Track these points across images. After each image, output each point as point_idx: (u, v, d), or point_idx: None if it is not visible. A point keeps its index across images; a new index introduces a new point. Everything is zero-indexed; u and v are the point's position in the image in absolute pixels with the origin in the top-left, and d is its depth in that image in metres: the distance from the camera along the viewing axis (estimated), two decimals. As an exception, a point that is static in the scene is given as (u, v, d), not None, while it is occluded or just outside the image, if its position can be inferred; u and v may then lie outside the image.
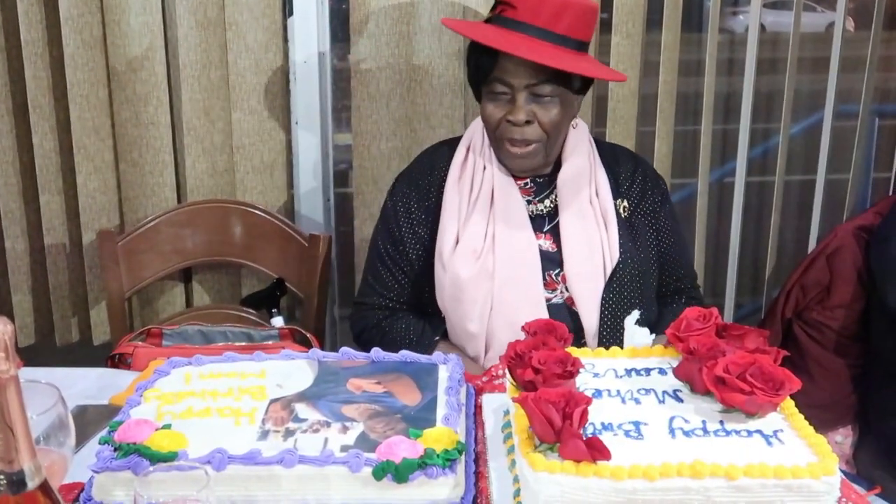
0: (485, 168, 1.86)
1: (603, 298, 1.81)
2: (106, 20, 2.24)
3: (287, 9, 2.34)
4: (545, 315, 1.76)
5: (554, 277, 1.84)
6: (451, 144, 1.95)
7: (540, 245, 1.84)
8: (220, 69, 2.30)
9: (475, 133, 1.91)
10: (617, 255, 1.82)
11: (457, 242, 1.82)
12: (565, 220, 1.84)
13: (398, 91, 2.30)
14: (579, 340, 1.80)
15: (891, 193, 2.61)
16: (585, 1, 1.78)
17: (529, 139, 1.78)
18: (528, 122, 1.76)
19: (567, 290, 1.82)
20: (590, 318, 1.80)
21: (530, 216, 1.85)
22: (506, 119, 1.77)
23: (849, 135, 2.57)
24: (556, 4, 1.73)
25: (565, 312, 1.82)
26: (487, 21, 1.82)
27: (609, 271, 1.81)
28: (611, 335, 1.80)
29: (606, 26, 2.30)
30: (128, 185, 2.37)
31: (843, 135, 2.59)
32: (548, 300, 1.82)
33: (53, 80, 2.29)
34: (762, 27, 2.59)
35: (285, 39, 2.35)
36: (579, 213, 1.84)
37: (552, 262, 1.83)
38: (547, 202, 1.88)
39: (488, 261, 1.80)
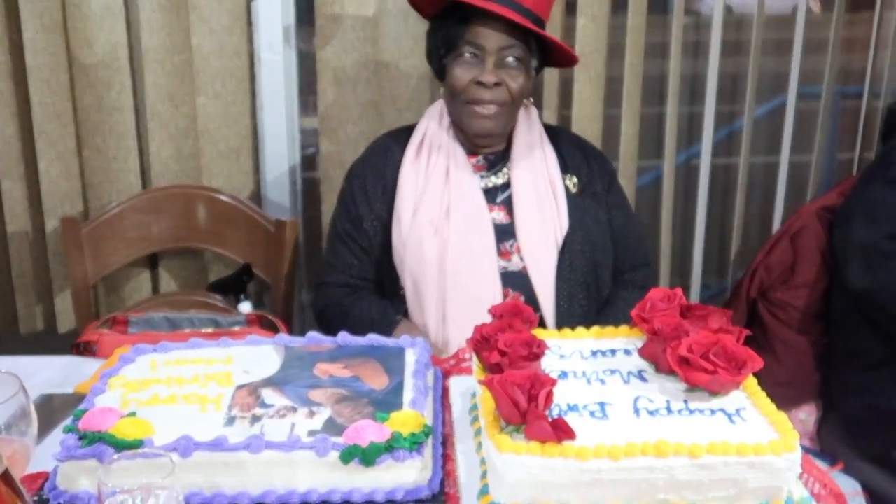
0: (440, 146, 1.92)
1: (557, 267, 1.87)
2: (66, 3, 2.21)
3: (251, -10, 2.32)
4: (499, 284, 1.84)
5: (508, 248, 1.89)
6: (405, 130, 2.01)
7: (494, 217, 1.90)
8: (184, 53, 2.27)
9: (432, 118, 1.96)
10: (566, 225, 1.89)
11: (413, 215, 1.87)
12: (518, 192, 1.90)
13: (364, 75, 2.29)
14: (535, 307, 1.81)
15: (854, 174, 2.63)
16: None
17: (496, 100, 1.84)
18: (496, 84, 1.83)
19: (522, 259, 1.88)
20: (545, 287, 1.86)
21: (483, 189, 1.91)
22: (475, 81, 1.83)
23: (813, 116, 2.59)
24: None
25: (521, 280, 1.87)
26: None
27: (560, 241, 1.88)
28: (567, 303, 1.86)
29: (572, 8, 2.31)
30: (91, 172, 2.34)
31: (808, 116, 2.61)
32: (504, 269, 1.87)
33: (13, 65, 2.26)
34: (728, 9, 2.60)
35: (249, 23, 2.33)
36: (532, 186, 1.91)
37: (506, 233, 1.89)
38: (500, 175, 1.94)
39: (444, 231, 1.86)
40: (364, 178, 1.95)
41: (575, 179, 1.96)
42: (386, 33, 2.25)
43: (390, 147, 1.98)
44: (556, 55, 1.95)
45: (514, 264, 1.88)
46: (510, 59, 1.83)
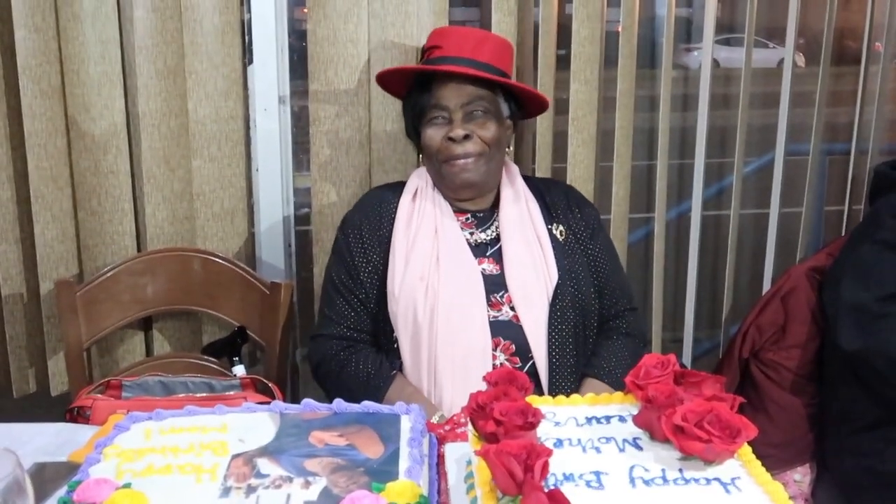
0: (426, 210, 1.99)
1: (549, 317, 1.89)
2: (64, 69, 2.24)
3: (247, 56, 2.35)
4: (488, 334, 1.86)
5: (499, 298, 1.92)
6: (394, 186, 2.09)
7: (484, 269, 1.94)
8: (180, 117, 2.30)
9: (419, 180, 2.04)
10: (556, 275, 1.92)
11: (405, 270, 1.91)
12: (507, 245, 1.95)
13: (357, 138, 2.32)
14: (527, 355, 1.88)
15: (843, 234, 2.66)
16: (501, 37, 2.08)
17: (470, 152, 1.93)
18: (466, 137, 1.92)
19: (512, 309, 1.90)
20: (537, 339, 1.88)
21: (473, 244, 1.97)
22: (447, 137, 1.93)
23: (801, 171, 2.63)
24: (477, 38, 1.99)
25: (512, 329, 1.88)
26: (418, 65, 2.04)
27: (550, 291, 1.91)
28: (558, 352, 1.88)
29: (565, 62, 2.35)
30: (87, 234, 2.35)
31: (796, 171, 2.65)
32: (494, 318, 1.89)
33: (11, 130, 2.28)
34: (716, 63, 2.65)
35: (245, 87, 2.37)
36: (521, 238, 1.96)
37: (496, 284, 1.92)
38: (489, 231, 2.00)
39: (434, 282, 1.89)
40: (360, 228, 1.99)
41: (562, 228, 2.01)
42: (375, 97, 2.28)
43: (384, 198, 2.04)
44: (530, 101, 2.06)
45: (504, 314, 1.90)
46: (477, 112, 1.94)
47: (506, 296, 1.91)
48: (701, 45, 2.50)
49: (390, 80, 2.10)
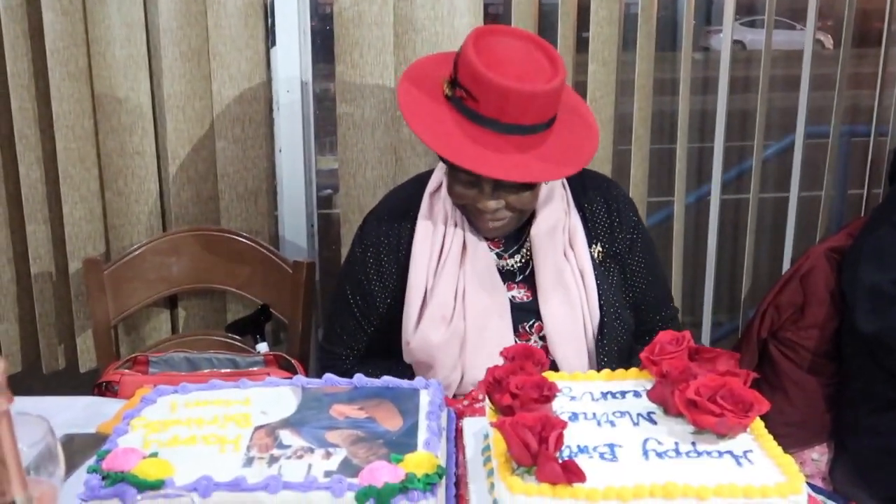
0: (455, 224, 1.78)
1: (597, 357, 1.76)
2: (91, 52, 2.28)
3: (270, 39, 2.38)
4: None
5: (528, 329, 1.79)
6: (418, 184, 1.86)
7: (513, 296, 1.79)
8: (205, 99, 2.34)
9: (444, 178, 1.79)
10: (597, 313, 1.75)
11: (423, 304, 1.75)
12: (541, 274, 1.76)
13: (383, 119, 2.34)
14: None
15: (863, 211, 2.66)
16: (549, 87, 1.61)
17: (499, 217, 1.71)
18: (497, 207, 1.68)
19: (542, 339, 1.77)
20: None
21: (501, 271, 1.79)
22: (474, 206, 1.70)
23: (822, 154, 2.62)
24: (522, 99, 1.58)
25: None
26: (448, 98, 1.67)
27: (589, 328, 1.75)
28: None
29: (584, 45, 2.35)
30: (113, 214, 2.39)
31: (817, 154, 2.64)
32: None
33: (39, 112, 2.32)
34: (742, 45, 2.63)
35: (269, 68, 2.39)
36: (554, 266, 1.76)
37: (526, 311, 1.77)
38: (518, 257, 1.81)
39: (459, 325, 1.74)
40: (378, 247, 1.82)
41: (599, 248, 1.81)
42: (400, 79, 2.30)
43: (408, 210, 1.81)
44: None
45: (533, 343, 1.77)
46: (511, 184, 1.64)
47: (535, 325, 1.77)
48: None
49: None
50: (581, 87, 2.39)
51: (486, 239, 1.80)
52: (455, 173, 1.68)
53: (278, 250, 2.41)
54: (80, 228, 2.38)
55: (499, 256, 1.81)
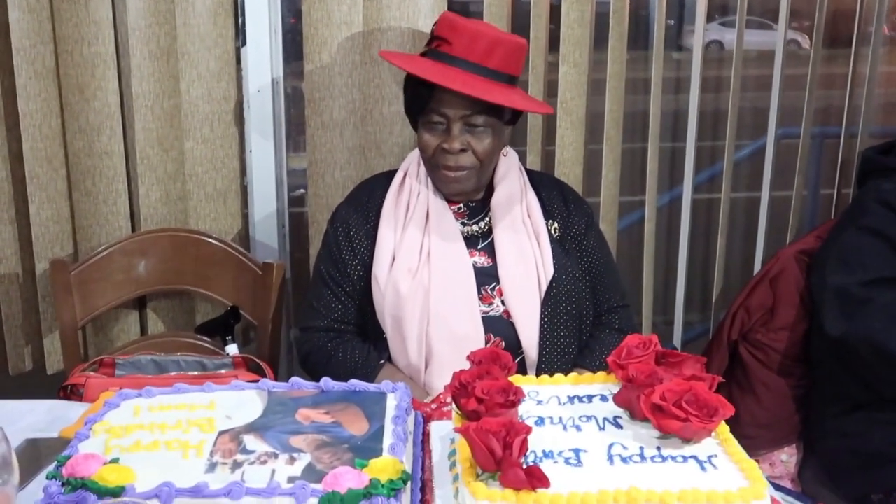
0: (420, 193, 1.96)
1: (541, 314, 1.89)
2: (59, 50, 2.24)
3: (240, 38, 2.36)
4: (480, 328, 1.86)
5: (490, 292, 1.92)
6: (388, 175, 2.05)
7: (475, 261, 1.93)
8: (174, 98, 2.31)
9: (412, 162, 2.01)
10: (551, 270, 1.91)
11: (393, 260, 1.90)
12: (500, 238, 1.93)
13: (351, 120, 2.33)
14: (517, 351, 1.87)
15: (833, 212, 2.67)
16: (515, 39, 1.93)
17: (463, 165, 1.89)
18: (462, 151, 1.88)
19: (503, 303, 1.90)
20: (528, 333, 1.88)
21: (465, 236, 1.95)
22: (441, 147, 1.88)
23: (792, 155, 2.63)
24: (489, 41, 1.86)
25: (503, 324, 1.89)
26: (424, 54, 1.94)
27: (544, 286, 1.90)
28: (549, 348, 1.88)
29: (555, 43, 2.35)
30: (81, 215, 2.36)
31: (788, 155, 2.65)
32: (485, 313, 1.89)
33: (6, 111, 2.28)
34: (721, 45, 2.63)
35: (238, 68, 2.37)
36: (513, 231, 1.94)
37: (488, 276, 1.92)
38: (481, 223, 1.98)
39: (424, 276, 1.88)
40: (348, 222, 1.98)
41: (556, 225, 1.99)
42: (371, 79, 2.29)
43: (374, 190, 2.02)
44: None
45: (496, 308, 1.90)
46: (477, 122, 1.87)
47: (497, 288, 1.91)
48: (706, 27, 2.48)
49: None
50: (553, 87, 2.39)
51: (451, 204, 1.97)
52: (427, 118, 1.89)
53: (249, 251, 2.39)
54: (48, 229, 2.35)
55: (463, 225, 1.97)
